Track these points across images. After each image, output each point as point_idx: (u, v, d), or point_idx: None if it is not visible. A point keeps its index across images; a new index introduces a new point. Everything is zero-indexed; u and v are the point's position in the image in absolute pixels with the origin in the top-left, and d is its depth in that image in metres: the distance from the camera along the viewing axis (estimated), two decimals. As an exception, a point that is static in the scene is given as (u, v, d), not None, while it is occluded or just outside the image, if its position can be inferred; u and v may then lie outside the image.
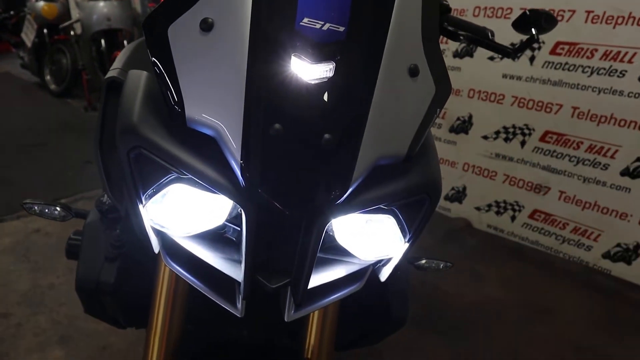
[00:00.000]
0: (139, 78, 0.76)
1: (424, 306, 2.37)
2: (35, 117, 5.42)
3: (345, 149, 0.64)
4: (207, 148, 0.66)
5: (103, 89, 0.95)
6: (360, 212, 0.70)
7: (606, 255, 2.67)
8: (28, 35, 6.32)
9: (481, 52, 2.85)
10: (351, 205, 0.67)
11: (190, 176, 0.66)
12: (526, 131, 2.79)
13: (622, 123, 2.43)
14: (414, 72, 0.70)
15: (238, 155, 0.62)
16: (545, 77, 2.62)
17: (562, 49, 2.52)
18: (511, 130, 2.85)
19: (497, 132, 2.92)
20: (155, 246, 0.76)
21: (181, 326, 0.96)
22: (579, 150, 2.62)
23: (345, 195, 0.65)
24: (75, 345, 2.05)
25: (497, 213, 3.06)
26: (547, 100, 2.65)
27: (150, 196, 0.69)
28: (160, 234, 0.76)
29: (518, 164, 2.88)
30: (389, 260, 0.81)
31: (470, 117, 3.02)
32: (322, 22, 0.64)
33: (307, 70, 0.64)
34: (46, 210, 1.18)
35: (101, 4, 5.28)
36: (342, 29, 0.64)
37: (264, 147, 0.62)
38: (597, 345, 2.18)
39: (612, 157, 2.51)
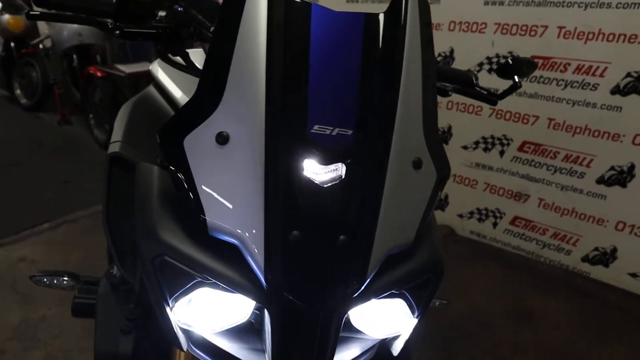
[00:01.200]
0: (150, 174, 0.79)
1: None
2: (6, 133, 5.30)
3: (360, 246, 0.68)
4: (227, 250, 0.69)
5: (106, 164, 0.97)
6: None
7: (585, 259, 2.78)
8: (-6, 49, 6.17)
9: (458, 59, 2.92)
10: (366, 295, 0.71)
11: (214, 281, 0.70)
12: (504, 141, 2.88)
13: (596, 134, 2.53)
14: (417, 164, 0.74)
15: (261, 262, 0.66)
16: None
17: (537, 61, 2.61)
18: (490, 140, 2.93)
19: (477, 142, 3.00)
20: (183, 343, 0.79)
21: None
22: (556, 160, 2.71)
23: (362, 289, 0.70)
24: (74, 381, 2.05)
25: (479, 220, 3.15)
26: (524, 112, 2.74)
27: (177, 299, 0.72)
28: (185, 330, 0.79)
29: (498, 173, 2.97)
30: (398, 335, 0.85)
31: (450, 127, 3.09)
32: (332, 128, 0.68)
33: (320, 175, 0.68)
34: (55, 281, 1.20)
35: (71, 18, 5.16)
36: (350, 132, 0.69)
37: (285, 253, 0.66)
38: (581, 350, 2.28)
39: (587, 166, 2.61)
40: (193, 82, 1.17)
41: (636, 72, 2.36)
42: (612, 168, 2.54)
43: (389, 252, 0.73)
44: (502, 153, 2.91)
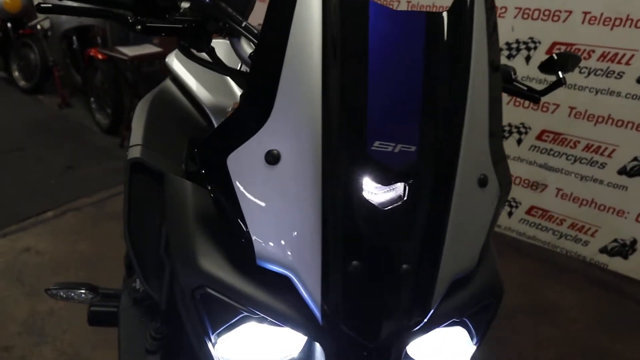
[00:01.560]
0: (183, 190, 0.72)
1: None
2: (7, 117, 5.20)
3: (423, 275, 0.63)
4: (275, 280, 0.63)
5: (126, 170, 0.90)
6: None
7: (603, 250, 2.73)
8: (-10, 30, 6.02)
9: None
10: (428, 326, 0.66)
11: (263, 315, 0.64)
12: (522, 130, 2.80)
13: (620, 123, 2.45)
14: (483, 182, 0.68)
15: (317, 295, 0.60)
16: (541, 77, 2.62)
17: (559, 49, 2.52)
18: (507, 128, 2.85)
19: (493, 130, 2.92)
20: None
21: None
22: (576, 149, 2.64)
23: (425, 320, 0.64)
24: (86, 378, 2.00)
25: (493, 209, 3.09)
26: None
27: (220, 335, 0.66)
28: None
29: (514, 162, 2.90)
30: None
31: (465, 115, 3.01)
32: (394, 144, 0.61)
33: (381, 198, 0.61)
34: (72, 294, 1.13)
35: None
36: (413, 148, 0.62)
37: (344, 285, 0.60)
38: (603, 344, 2.24)
39: (609, 156, 2.54)
40: (214, 75, 1.09)
41: (664, 60, 2.27)
42: (635, 159, 2.47)
43: (452, 278, 0.67)
44: (519, 141, 2.84)
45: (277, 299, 0.64)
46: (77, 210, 3.30)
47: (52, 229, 3.07)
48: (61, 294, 1.13)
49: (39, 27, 5.43)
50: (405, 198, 0.62)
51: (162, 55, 4.25)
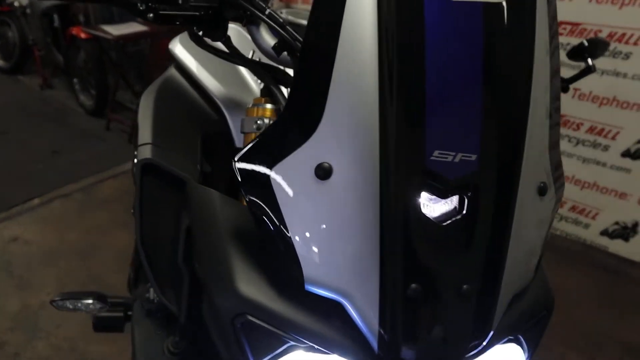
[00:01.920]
0: (211, 202, 0.66)
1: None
2: (-14, 99, 5.02)
3: (485, 294, 0.57)
4: (323, 305, 0.58)
5: (137, 173, 0.82)
6: None
7: (604, 233, 2.71)
8: (-35, 6, 5.76)
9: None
10: (486, 347, 0.61)
11: (311, 344, 0.58)
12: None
13: (625, 105, 2.41)
14: (542, 191, 0.62)
15: (374, 321, 0.55)
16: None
17: (564, 29, 2.45)
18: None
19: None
20: None
21: None
22: (580, 132, 2.60)
23: (485, 342, 0.59)
24: (84, 375, 1.94)
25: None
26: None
27: None
28: None
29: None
30: None
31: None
32: (454, 153, 0.54)
33: (435, 211, 0.56)
34: (79, 305, 1.05)
35: (49, -25, 4.81)
36: (474, 157, 0.54)
37: (403, 311, 0.55)
38: (603, 325, 2.24)
39: (613, 138, 2.50)
40: (222, 63, 1.00)
41: (672, 40, 2.22)
42: (639, 141, 2.43)
43: (512, 295, 0.62)
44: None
45: (327, 325, 0.58)
46: (65, 197, 3.20)
47: (39, 217, 2.97)
48: (68, 305, 1.05)
49: (16, 4, 5.21)
50: (464, 211, 0.55)
51: (149, 35, 4.11)
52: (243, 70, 0.98)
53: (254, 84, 0.96)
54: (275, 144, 0.56)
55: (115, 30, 3.89)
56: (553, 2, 0.63)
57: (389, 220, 0.53)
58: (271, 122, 0.73)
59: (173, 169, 0.79)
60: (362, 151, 0.53)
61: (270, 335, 0.58)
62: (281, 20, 0.70)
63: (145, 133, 0.88)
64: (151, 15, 0.68)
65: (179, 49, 1.11)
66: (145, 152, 0.83)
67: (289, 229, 0.55)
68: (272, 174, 0.55)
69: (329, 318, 0.58)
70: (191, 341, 0.90)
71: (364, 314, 0.55)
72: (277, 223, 0.56)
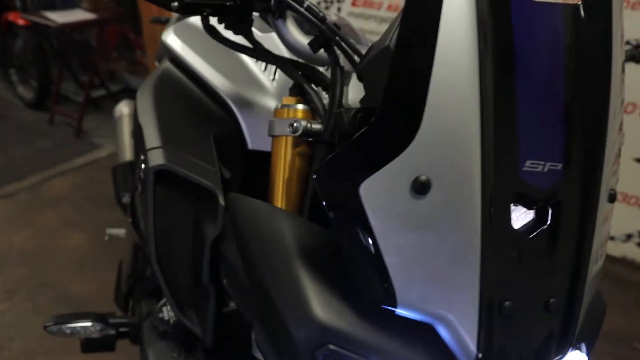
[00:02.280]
0: (259, 213, 0.61)
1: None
2: None
3: (570, 307, 0.56)
4: (409, 328, 0.54)
5: (149, 182, 0.74)
6: None
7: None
8: None
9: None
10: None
11: None
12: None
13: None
14: (612, 197, 0.61)
15: (471, 344, 0.52)
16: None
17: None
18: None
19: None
20: None
21: None
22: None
23: (566, 355, 0.58)
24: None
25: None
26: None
27: None
28: None
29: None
30: None
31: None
32: (543, 163, 0.52)
33: (519, 223, 0.54)
34: (78, 329, 0.94)
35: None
36: (559, 166, 0.53)
37: (500, 329, 0.52)
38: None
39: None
40: (223, 55, 0.92)
41: None
42: None
43: (588, 305, 0.61)
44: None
45: (414, 350, 0.54)
46: (9, 197, 2.97)
47: (-18, 219, 2.74)
48: (64, 329, 0.93)
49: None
50: (549, 222, 0.53)
51: (97, 23, 3.88)
52: (251, 65, 0.89)
53: (266, 81, 0.87)
54: (364, 156, 0.52)
55: (60, 17, 3.62)
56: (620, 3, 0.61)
57: (488, 237, 0.50)
58: (309, 124, 0.67)
59: (194, 177, 0.71)
60: (462, 164, 0.49)
61: None
62: (321, 14, 0.66)
63: (151, 136, 0.79)
64: (176, 4, 0.65)
65: (174, 40, 1.01)
66: (156, 158, 0.74)
67: (381, 248, 0.50)
68: (363, 188, 0.50)
69: (415, 342, 0.54)
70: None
71: (459, 336, 0.52)
72: (368, 242, 0.51)
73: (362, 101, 0.58)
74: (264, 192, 0.75)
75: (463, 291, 0.51)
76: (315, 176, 0.55)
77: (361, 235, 0.51)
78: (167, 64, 1.01)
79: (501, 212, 0.50)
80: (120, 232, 1.81)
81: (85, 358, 1.14)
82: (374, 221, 0.50)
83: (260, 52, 0.74)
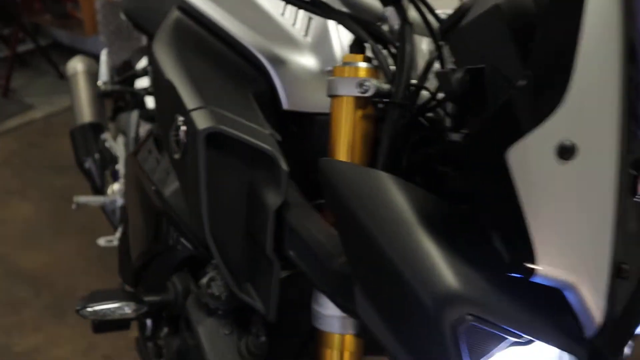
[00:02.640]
0: (367, 179, 0.57)
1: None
2: None
3: None
4: (538, 294, 0.54)
5: (200, 146, 0.65)
6: None
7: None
8: None
9: None
10: None
11: (530, 338, 0.54)
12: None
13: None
14: None
15: (598, 311, 0.51)
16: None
17: None
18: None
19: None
20: None
21: None
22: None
23: None
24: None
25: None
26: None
27: None
28: None
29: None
30: None
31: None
32: None
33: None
34: (112, 309, 0.85)
35: None
36: None
37: (620, 294, 0.52)
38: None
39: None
40: (247, 7, 0.85)
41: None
42: None
43: None
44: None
45: (545, 316, 0.54)
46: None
47: None
48: (98, 310, 0.84)
49: None
50: None
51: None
52: (279, 17, 0.82)
53: (298, 35, 0.80)
54: (513, 120, 0.49)
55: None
56: None
57: (621, 203, 0.50)
58: (381, 84, 0.63)
59: (251, 140, 0.65)
60: (607, 129, 0.49)
61: (491, 336, 0.53)
62: None
63: (191, 95, 0.71)
64: None
65: None
66: (205, 119, 0.66)
67: (527, 215, 0.49)
68: (511, 155, 0.48)
69: (546, 310, 0.54)
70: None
71: (588, 302, 0.51)
72: (510, 209, 0.49)
73: (458, 62, 0.55)
74: (301, 155, 0.70)
75: (597, 257, 0.51)
76: (464, 145, 0.54)
77: (505, 202, 0.50)
78: (177, 13, 0.91)
79: (630, 177, 0.51)
80: (91, 199, 1.68)
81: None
82: (521, 185, 0.48)
83: (315, 4, 0.68)
